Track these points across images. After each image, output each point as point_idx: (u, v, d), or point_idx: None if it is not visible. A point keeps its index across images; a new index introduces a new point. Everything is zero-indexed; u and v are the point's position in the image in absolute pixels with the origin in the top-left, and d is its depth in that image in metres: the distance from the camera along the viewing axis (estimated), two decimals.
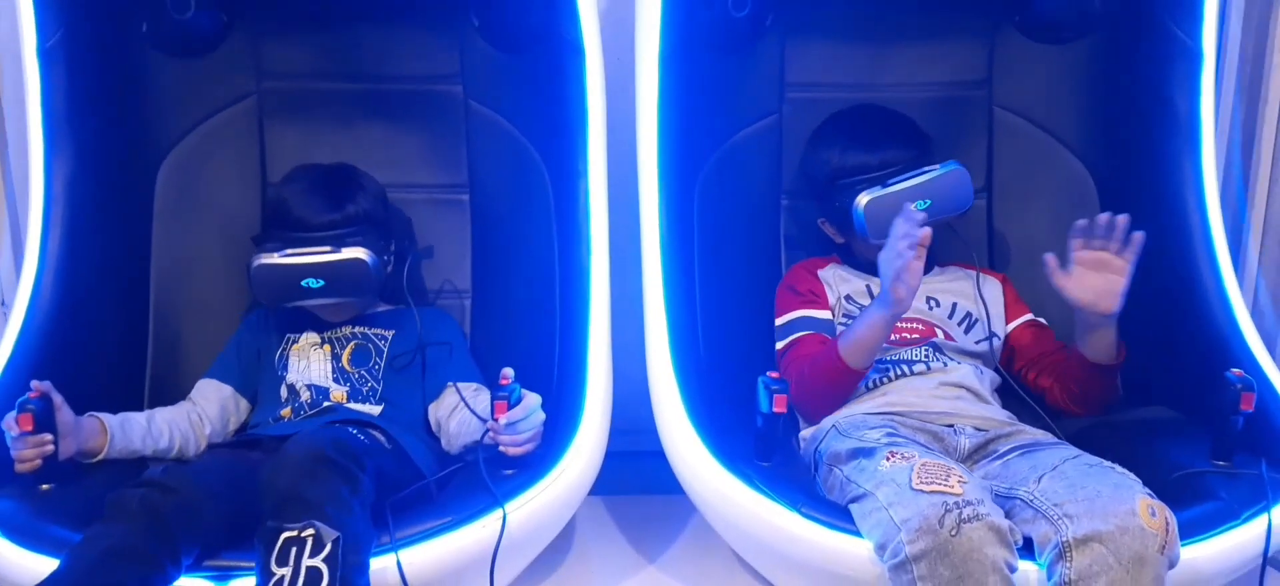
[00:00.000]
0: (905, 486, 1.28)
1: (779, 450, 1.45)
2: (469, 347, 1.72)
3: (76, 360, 1.55)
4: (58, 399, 1.36)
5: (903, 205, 1.53)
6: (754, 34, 1.78)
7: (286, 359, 1.61)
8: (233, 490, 1.29)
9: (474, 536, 1.32)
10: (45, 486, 1.37)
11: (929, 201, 1.56)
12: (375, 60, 1.78)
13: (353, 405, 1.57)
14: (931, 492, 1.25)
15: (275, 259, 1.53)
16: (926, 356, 1.58)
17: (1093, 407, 1.59)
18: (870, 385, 1.56)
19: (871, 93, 1.79)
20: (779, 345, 1.61)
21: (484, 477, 1.35)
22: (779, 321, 1.64)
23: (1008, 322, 1.67)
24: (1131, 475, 1.32)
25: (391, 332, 1.63)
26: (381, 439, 1.48)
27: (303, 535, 1.16)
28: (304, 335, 1.63)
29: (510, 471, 1.38)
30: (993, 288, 1.68)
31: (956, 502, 1.23)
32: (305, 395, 1.58)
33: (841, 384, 1.52)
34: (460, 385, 1.56)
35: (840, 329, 1.59)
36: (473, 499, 1.35)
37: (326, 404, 1.57)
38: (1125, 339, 1.74)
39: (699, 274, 1.69)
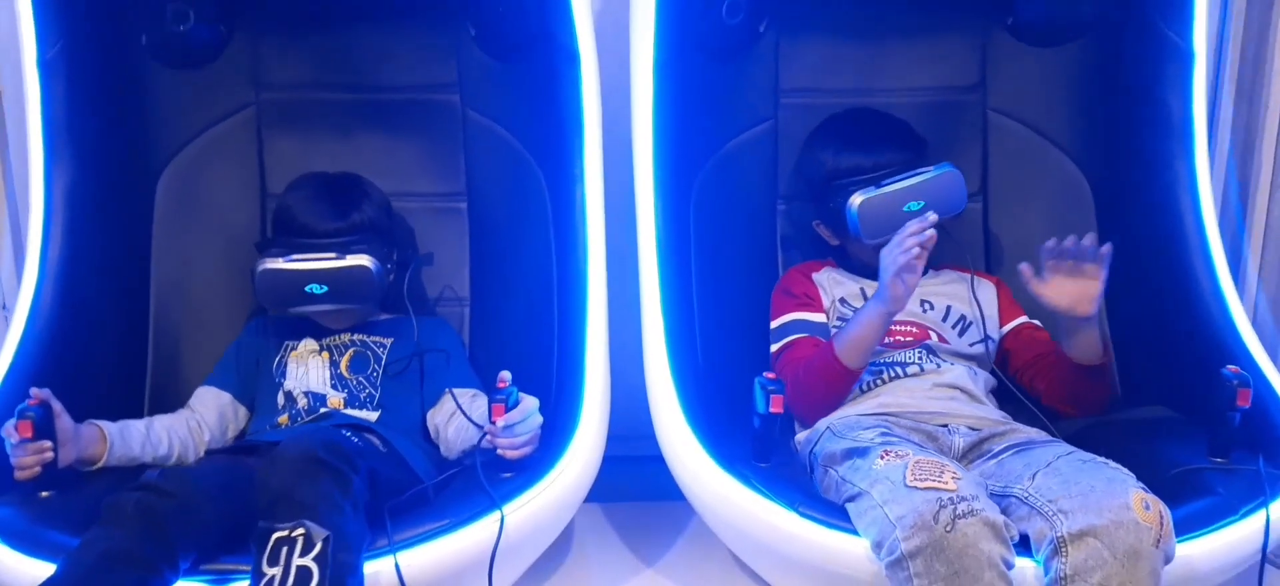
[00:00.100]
0: (899, 484, 1.28)
1: (776, 451, 1.45)
2: (468, 355, 1.73)
3: (76, 368, 1.56)
4: (57, 406, 1.37)
5: (896, 206, 1.54)
6: (748, 40, 1.79)
7: (285, 366, 1.62)
8: (230, 494, 1.30)
9: (472, 538, 1.33)
10: (45, 493, 1.37)
11: (922, 202, 1.57)
12: (373, 70, 1.79)
13: (350, 411, 1.58)
14: (926, 489, 1.26)
15: (280, 264, 1.54)
16: (920, 358, 1.58)
17: (1086, 409, 1.60)
18: (864, 387, 1.57)
19: (866, 97, 1.80)
20: (774, 348, 1.62)
21: (481, 480, 1.35)
22: (774, 324, 1.64)
23: (1002, 325, 1.67)
24: (1125, 470, 1.32)
25: (390, 340, 1.64)
26: (376, 442, 1.49)
27: (293, 535, 1.17)
28: (303, 342, 1.64)
29: (508, 474, 1.39)
30: (987, 290, 1.69)
31: (951, 498, 1.24)
32: (302, 402, 1.59)
33: (837, 384, 1.52)
34: (458, 391, 1.56)
35: (835, 331, 1.59)
36: (470, 501, 1.35)
37: (323, 410, 1.57)
38: (1121, 338, 1.75)
39: (696, 278, 1.70)
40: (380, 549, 1.29)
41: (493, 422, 1.37)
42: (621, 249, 1.65)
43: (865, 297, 1.62)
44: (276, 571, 1.16)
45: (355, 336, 1.64)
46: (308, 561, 1.16)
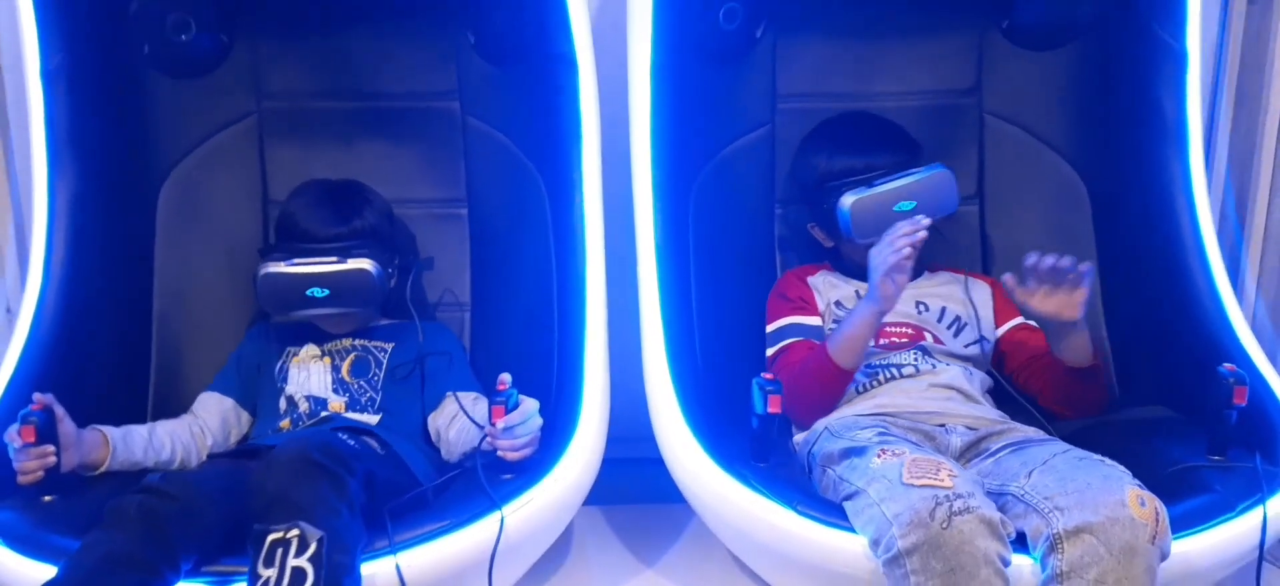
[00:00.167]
0: (896, 482, 1.29)
1: (775, 451, 1.46)
2: (469, 359, 1.74)
3: (80, 374, 1.58)
4: (60, 411, 1.38)
5: (887, 205, 1.54)
6: (745, 46, 1.81)
7: (286, 371, 1.63)
8: (231, 497, 1.30)
9: (472, 539, 1.33)
10: (47, 498, 1.39)
11: (914, 203, 1.58)
12: (373, 78, 1.81)
13: (351, 415, 1.59)
14: (922, 486, 1.26)
15: (281, 268, 1.56)
16: (916, 359, 1.59)
17: (1082, 410, 1.60)
18: (860, 388, 1.57)
19: (863, 102, 1.81)
20: (769, 352, 1.63)
21: (481, 481, 1.36)
22: (769, 328, 1.65)
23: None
24: (1121, 467, 1.33)
25: (391, 345, 1.65)
26: (375, 445, 1.49)
27: (288, 536, 1.18)
28: (304, 347, 1.65)
29: (508, 475, 1.40)
30: (982, 291, 1.69)
31: (947, 496, 1.24)
32: (304, 406, 1.60)
33: (832, 385, 1.53)
34: (459, 394, 1.57)
35: (829, 334, 1.60)
36: (471, 502, 1.36)
37: (324, 414, 1.59)
38: (1119, 339, 1.76)
39: (695, 282, 1.71)
40: (380, 549, 1.30)
41: (493, 424, 1.38)
42: (622, 253, 1.66)
43: (860, 299, 1.63)
44: (272, 573, 1.17)
45: (356, 341, 1.65)
46: (302, 562, 1.17)
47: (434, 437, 1.61)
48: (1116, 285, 1.78)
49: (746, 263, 1.80)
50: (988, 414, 1.55)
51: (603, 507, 1.80)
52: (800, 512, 1.37)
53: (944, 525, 1.22)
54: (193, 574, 1.27)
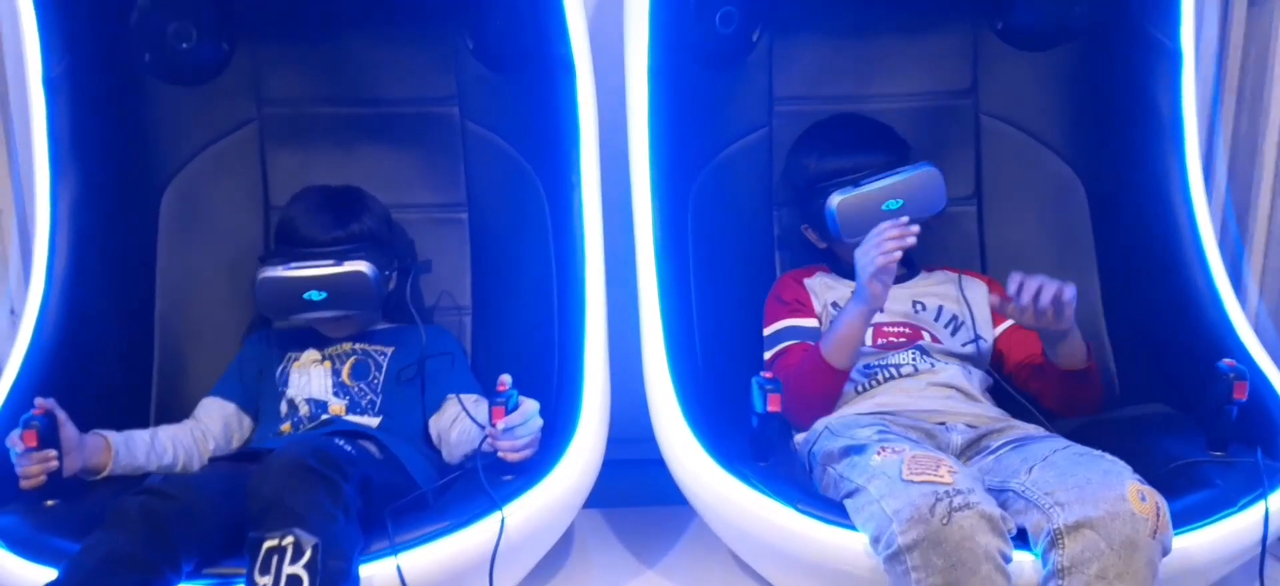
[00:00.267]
0: (896, 478, 1.29)
1: (775, 450, 1.46)
2: (470, 362, 1.74)
3: (82, 380, 1.58)
4: (62, 415, 1.39)
5: (874, 204, 1.55)
6: (742, 49, 1.82)
7: (287, 375, 1.64)
8: (232, 499, 1.30)
9: (473, 540, 1.33)
10: (50, 502, 1.39)
11: (901, 201, 1.58)
12: (373, 84, 1.82)
13: (351, 418, 1.59)
14: (922, 483, 1.26)
15: (279, 271, 1.57)
16: (914, 359, 1.59)
17: (1079, 411, 1.60)
18: (859, 389, 1.58)
19: (859, 104, 1.82)
20: (767, 355, 1.63)
21: (482, 481, 1.36)
22: (766, 332, 1.66)
23: (996, 325, 1.68)
24: (1121, 462, 1.33)
25: (391, 349, 1.66)
26: (373, 449, 1.49)
27: (283, 543, 1.18)
28: (305, 352, 1.66)
29: (509, 476, 1.40)
30: (977, 290, 1.70)
31: (947, 491, 1.24)
32: (304, 409, 1.60)
33: (828, 386, 1.53)
34: (460, 396, 1.58)
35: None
36: (471, 503, 1.36)
37: (325, 417, 1.59)
38: (1118, 337, 1.76)
39: (695, 283, 1.72)
40: (381, 550, 1.30)
41: (493, 425, 1.38)
42: (623, 255, 1.66)
43: None
44: (268, 580, 1.18)
45: (356, 345, 1.66)
46: (298, 569, 1.17)
47: (435, 440, 1.61)
48: (1115, 283, 1.78)
49: (746, 263, 1.81)
50: (988, 412, 1.55)
51: (603, 510, 1.80)
52: (801, 511, 1.37)
53: (944, 521, 1.22)
54: (194, 575, 1.27)
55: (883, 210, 1.57)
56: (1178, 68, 1.68)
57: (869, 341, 1.61)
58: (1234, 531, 1.36)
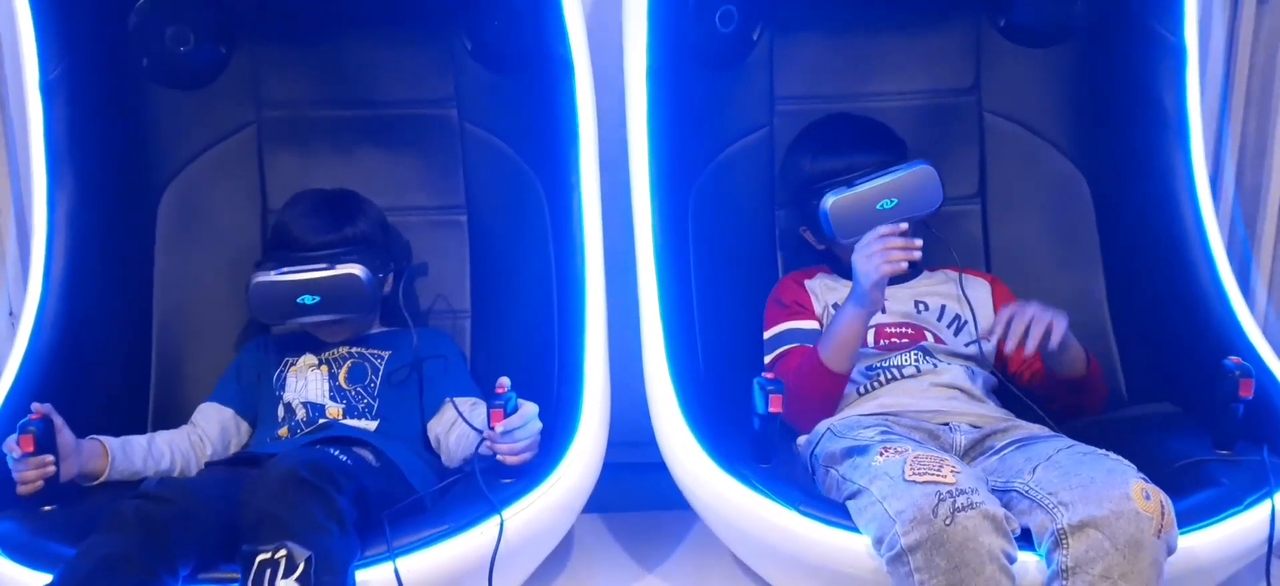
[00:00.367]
0: (898, 479, 1.28)
1: (777, 452, 1.45)
2: (470, 366, 1.73)
3: (80, 386, 1.58)
4: (58, 420, 1.38)
5: (868, 204, 1.53)
6: (742, 48, 1.81)
7: (284, 379, 1.63)
8: (229, 504, 1.29)
9: (471, 544, 1.32)
10: (47, 507, 1.38)
11: (896, 201, 1.57)
12: (372, 86, 1.81)
13: (349, 421, 1.58)
14: (924, 483, 1.25)
15: (272, 276, 1.56)
16: (917, 360, 1.58)
17: (1084, 413, 1.59)
18: (861, 390, 1.56)
19: (861, 102, 1.81)
20: (767, 359, 1.62)
21: (480, 485, 1.35)
22: (767, 335, 1.64)
23: None
24: (1126, 461, 1.32)
25: (388, 352, 1.65)
26: (369, 457, 1.48)
27: (276, 557, 1.18)
28: (302, 357, 1.65)
29: (508, 479, 1.39)
30: (979, 289, 1.68)
31: (950, 492, 1.23)
32: (301, 413, 1.59)
33: (827, 389, 1.52)
34: (457, 400, 1.57)
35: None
36: (470, 506, 1.35)
37: (322, 420, 1.58)
38: (1123, 334, 1.75)
39: (696, 285, 1.71)
40: (379, 555, 1.29)
41: (492, 428, 1.37)
42: (623, 257, 1.65)
43: None
44: None
45: (353, 349, 1.65)
46: (290, 583, 1.17)
47: (434, 444, 1.60)
48: (1120, 281, 1.77)
49: (747, 264, 1.80)
50: (991, 412, 1.54)
51: (603, 515, 1.79)
52: (803, 512, 1.36)
53: (947, 521, 1.21)
54: (190, 579, 1.26)
55: (877, 210, 1.56)
56: (1182, 63, 1.67)
57: (871, 342, 1.60)
58: (1240, 530, 1.35)
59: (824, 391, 1.52)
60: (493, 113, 1.80)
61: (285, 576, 1.17)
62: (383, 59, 1.80)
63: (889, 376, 1.57)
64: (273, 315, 1.59)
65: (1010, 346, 1.46)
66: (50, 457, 1.37)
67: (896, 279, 1.54)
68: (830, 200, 1.58)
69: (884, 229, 1.47)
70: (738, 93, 1.81)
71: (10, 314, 1.86)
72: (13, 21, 1.61)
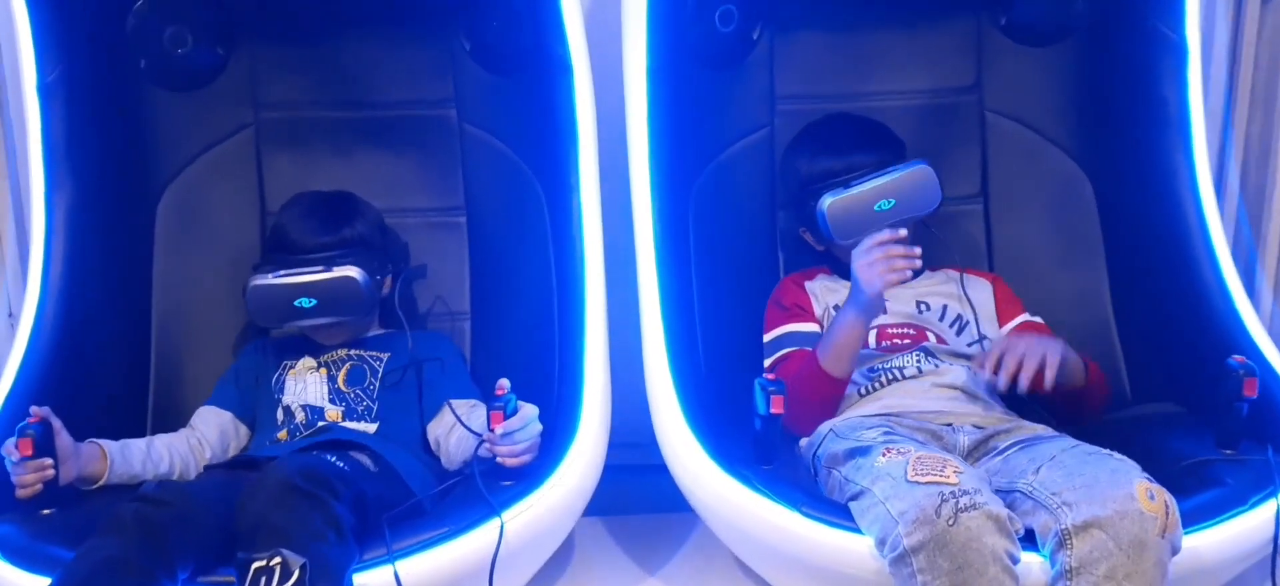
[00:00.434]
0: (901, 479, 1.27)
1: (779, 453, 1.44)
2: (470, 368, 1.72)
3: (79, 389, 1.57)
4: (57, 423, 1.37)
5: (866, 205, 1.53)
6: (742, 47, 1.80)
7: (283, 382, 1.63)
8: (228, 506, 1.29)
9: (471, 546, 1.32)
10: (46, 511, 1.38)
11: (893, 201, 1.56)
12: (370, 88, 1.80)
13: (348, 424, 1.58)
14: (927, 484, 1.25)
15: (269, 280, 1.56)
16: (918, 361, 1.57)
17: (1086, 417, 1.58)
18: (862, 391, 1.56)
19: (861, 102, 1.80)
20: (767, 362, 1.61)
21: (480, 487, 1.35)
22: (766, 338, 1.64)
23: (1001, 324, 1.66)
24: (1130, 461, 1.31)
25: (387, 354, 1.64)
26: (367, 462, 1.47)
27: (270, 564, 1.17)
28: (301, 360, 1.64)
29: (508, 482, 1.38)
30: (981, 289, 1.67)
31: (953, 492, 1.22)
32: (300, 416, 1.59)
33: (826, 394, 1.51)
34: (456, 402, 1.56)
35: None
36: (470, 509, 1.34)
37: (321, 423, 1.58)
38: (1127, 334, 1.74)
39: (697, 285, 1.70)
40: (378, 558, 1.29)
41: (491, 430, 1.37)
42: (623, 258, 1.64)
43: None
44: None
45: (352, 351, 1.64)
46: None
47: (434, 447, 1.59)
48: (1124, 280, 1.76)
49: (748, 265, 1.79)
50: (994, 412, 1.53)
51: (604, 518, 1.78)
52: (805, 514, 1.35)
53: (950, 522, 1.20)
54: (189, 582, 1.26)
55: (875, 211, 1.55)
56: (1183, 61, 1.66)
57: (873, 343, 1.59)
58: (1245, 530, 1.34)
59: (823, 395, 1.52)
60: (492, 114, 1.79)
61: (281, 583, 1.16)
62: (382, 60, 1.79)
63: (891, 377, 1.56)
64: (270, 318, 1.59)
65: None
66: (49, 461, 1.36)
67: None
68: (827, 201, 1.57)
69: (885, 235, 1.45)
70: (738, 93, 1.81)
71: (10, 315, 1.86)
72: (11, 23, 1.61)
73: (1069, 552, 1.22)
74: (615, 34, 1.71)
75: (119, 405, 1.65)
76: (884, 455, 1.34)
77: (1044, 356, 1.44)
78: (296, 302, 1.55)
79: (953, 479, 1.25)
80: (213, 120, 1.79)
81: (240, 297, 1.67)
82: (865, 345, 1.54)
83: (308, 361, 1.64)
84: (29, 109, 1.60)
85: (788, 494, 1.37)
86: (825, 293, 1.66)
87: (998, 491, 1.32)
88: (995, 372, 1.45)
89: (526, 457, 1.39)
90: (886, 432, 1.43)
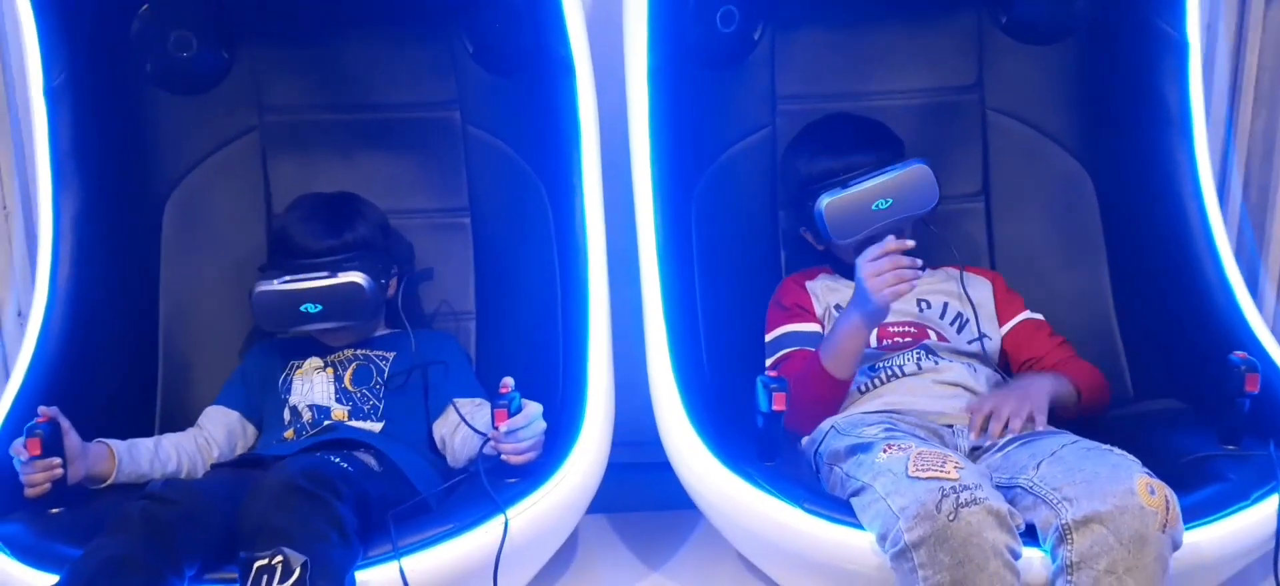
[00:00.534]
0: (902, 475, 1.28)
1: (781, 450, 1.45)
2: (474, 367, 1.73)
3: (87, 390, 1.58)
4: (65, 423, 1.39)
5: (864, 205, 1.53)
6: (743, 49, 1.81)
7: (290, 382, 1.64)
8: (234, 505, 1.29)
9: (476, 543, 1.33)
10: (54, 510, 1.39)
11: (891, 201, 1.56)
12: (374, 90, 1.81)
13: (354, 423, 1.59)
14: (928, 479, 1.25)
15: (274, 286, 1.57)
16: (919, 358, 1.57)
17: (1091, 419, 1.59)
18: (863, 389, 1.56)
19: (863, 101, 1.81)
20: (768, 362, 1.61)
21: (485, 484, 1.36)
22: (768, 338, 1.64)
23: (1002, 322, 1.66)
24: (1130, 456, 1.31)
25: (392, 354, 1.65)
26: (372, 461, 1.48)
27: (272, 562, 1.18)
28: (308, 360, 1.65)
29: (513, 479, 1.39)
30: (981, 287, 1.68)
31: (953, 487, 1.23)
32: (307, 416, 1.60)
33: (828, 395, 1.52)
34: (460, 401, 1.57)
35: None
36: (474, 506, 1.35)
37: (327, 422, 1.58)
38: (1129, 331, 1.75)
39: (699, 284, 1.71)
40: (384, 554, 1.29)
41: (496, 428, 1.37)
42: (626, 257, 1.65)
43: None
44: None
45: (358, 351, 1.65)
46: None
47: (440, 445, 1.60)
48: (1126, 278, 1.77)
49: (750, 264, 1.79)
50: None
51: (608, 515, 1.79)
52: (807, 510, 1.36)
53: (951, 517, 1.21)
54: (195, 580, 1.27)
55: (872, 210, 1.55)
56: (1185, 59, 1.66)
57: (874, 341, 1.60)
58: (1246, 525, 1.34)
59: (825, 397, 1.52)
60: (495, 115, 1.80)
61: (282, 582, 1.17)
62: (385, 62, 1.81)
63: (891, 374, 1.57)
64: (276, 323, 1.60)
65: (993, 433, 1.44)
66: (57, 460, 1.37)
67: None
68: (825, 201, 1.57)
69: (891, 244, 1.44)
70: (739, 92, 1.81)
71: (19, 314, 1.87)
72: (17, 28, 1.62)
73: (1070, 547, 1.23)
74: (617, 34, 1.71)
75: (126, 405, 1.67)
76: (885, 451, 1.34)
77: (1030, 411, 1.44)
78: (302, 308, 1.56)
79: (953, 474, 1.25)
80: (217, 123, 1.80)
81: (246, 299, 1.68)
82: (866, 344, 1.55)
83: (314, 361, 1.65)
84: (36, 112, 1.62)
85: (790, 490, 1.38)
86: (826, 292, 1.66)
87: (998, 487, 1.33)
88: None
89: (531, 455, 1.40)
90: (888, 428, 1.43)
